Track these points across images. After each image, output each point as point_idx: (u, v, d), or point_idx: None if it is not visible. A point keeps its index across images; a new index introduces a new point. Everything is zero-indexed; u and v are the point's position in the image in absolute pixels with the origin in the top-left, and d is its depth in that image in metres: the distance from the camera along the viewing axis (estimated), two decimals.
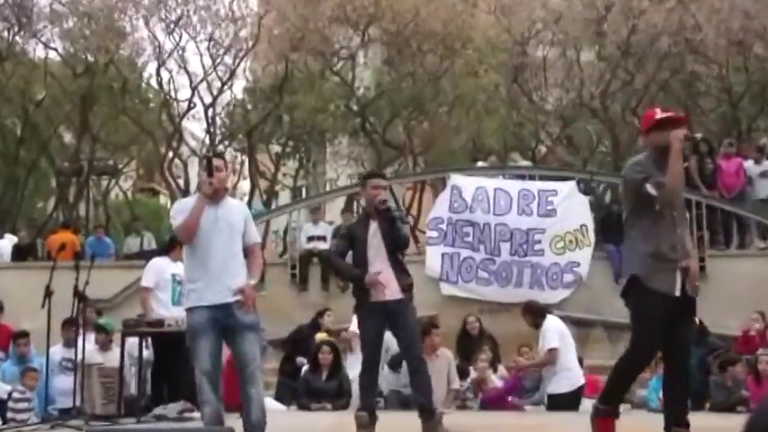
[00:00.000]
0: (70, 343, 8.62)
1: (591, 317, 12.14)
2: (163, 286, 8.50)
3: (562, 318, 12.16)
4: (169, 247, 8.74)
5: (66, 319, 8.54)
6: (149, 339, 8.47)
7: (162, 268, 8.60)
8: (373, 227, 6.46)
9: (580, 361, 9.55)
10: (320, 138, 23.60)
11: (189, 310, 5.51)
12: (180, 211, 5.63)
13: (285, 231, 20.33)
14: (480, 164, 14.61)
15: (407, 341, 6.53)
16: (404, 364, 8.97)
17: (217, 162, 5.64)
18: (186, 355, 6.55)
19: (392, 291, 6.36)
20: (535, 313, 9.39)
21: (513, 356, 9.87)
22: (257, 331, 5.56)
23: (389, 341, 9.43)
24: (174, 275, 8.37)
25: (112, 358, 8.88)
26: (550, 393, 8.94)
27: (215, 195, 5.52)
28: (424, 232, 15.04)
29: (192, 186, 23.17)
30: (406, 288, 6.43)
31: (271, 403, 9.43)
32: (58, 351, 9.24)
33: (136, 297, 10.91)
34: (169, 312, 8.13)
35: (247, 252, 5.66)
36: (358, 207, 23.85)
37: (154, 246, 14.30)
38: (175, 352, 7.93)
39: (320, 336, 10.24)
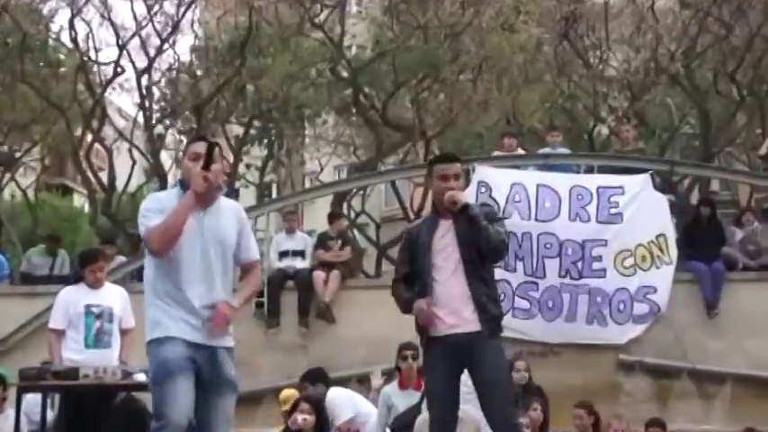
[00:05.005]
0: None
1: (673, 363, 12.17)
2: (75, 323, 8.41)
3: (632, 364, 12.19)
4: (82, 269, 8.62)
5: None
6: (56, 396, 8.35)
7: (73, 301, 8.51)
8: (443, 228, 6.56)
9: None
10: (297, 115, 23.62)
11: (156, 341, 5.46)
12: (155, 210, 5.54)
13: None
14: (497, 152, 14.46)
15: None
16: (415, 427, 8.96)
17: (202, 148, 5.58)
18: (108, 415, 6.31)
19: (465, 320, 6.33)
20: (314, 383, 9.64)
21: (564, 420, 9.74)
22: (236, 390, 5.64)
23: (392, 396, 9.48)
24: (88, 307, 8.30)
25: (4, 424, 8.78)
26: None
27: (205, 196, 5.51)
28: None
29: (120, 183, 23.16)
30: (488, 316, 6.36)
31: None
32: None
33: (39, 336, 10.85)
34: (83, 357, 8.06)
35: (242, 271, 5.84)
36: (349, 210, 23.95)
37: (68, 269, 14.16)
38: (93, 412, 7.88)
39: (288, 392, 10.08)
